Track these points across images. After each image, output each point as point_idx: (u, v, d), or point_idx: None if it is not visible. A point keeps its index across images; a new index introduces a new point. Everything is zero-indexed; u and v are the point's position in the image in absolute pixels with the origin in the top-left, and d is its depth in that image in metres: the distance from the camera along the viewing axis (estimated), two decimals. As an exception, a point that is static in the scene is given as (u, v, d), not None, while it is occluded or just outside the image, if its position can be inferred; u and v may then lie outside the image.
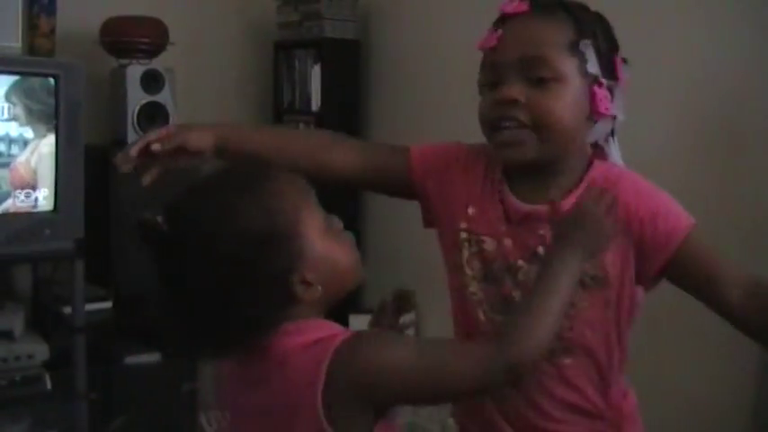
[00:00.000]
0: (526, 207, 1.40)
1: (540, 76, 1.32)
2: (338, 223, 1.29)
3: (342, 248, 1.27)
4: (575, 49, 1.34)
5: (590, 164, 1.43)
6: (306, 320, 1.21)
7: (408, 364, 1.16)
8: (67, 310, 3.49)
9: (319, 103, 4.26)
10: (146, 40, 3.78)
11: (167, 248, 1.21)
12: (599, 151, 1.46)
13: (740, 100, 2.71)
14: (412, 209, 1.61)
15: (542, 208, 1.35)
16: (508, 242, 1.41)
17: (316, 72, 4.26)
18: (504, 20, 1.38)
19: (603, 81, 1.37)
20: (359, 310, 4.15)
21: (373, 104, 4.40)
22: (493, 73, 1.37)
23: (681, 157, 2.83)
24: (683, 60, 2.84)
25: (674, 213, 1.36)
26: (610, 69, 1.39)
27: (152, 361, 3.59)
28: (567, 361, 1.39)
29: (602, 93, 1.36)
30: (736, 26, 2.72)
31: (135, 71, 3.73)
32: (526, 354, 1.17)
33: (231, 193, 1.22)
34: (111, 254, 3.69)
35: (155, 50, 3.82)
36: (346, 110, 4.35)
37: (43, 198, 3.34)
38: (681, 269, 1.36)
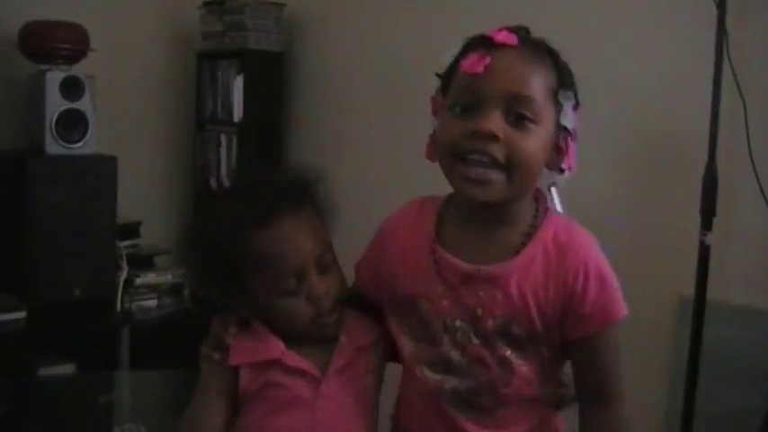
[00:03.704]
0: (467, 267, 1.35)
1: (522, 115, 1.27)
2: None
3: None
4: (555, 97, 1.31)
5: (542, 215, 1.38)
6: None
7: None
8: (-21, 319, 3.42)
9: (241, 115, 4.24)
10: (65, 45, 3.72)
11: None
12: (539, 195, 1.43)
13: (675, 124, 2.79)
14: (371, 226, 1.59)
15: (486, 269, 1.34)
16: (446, 302, 1.37)
17: (238, 83, 4.23)
18: (489, 47, 1.30)
19: (572, 134, 1.35)
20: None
21: (295, 117, 4.40)
22: (472, 99, 1.29)
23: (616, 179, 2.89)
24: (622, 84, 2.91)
25: (610, 299, 1.33)
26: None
27: (67, 373, 3.53)
28: (503, 411, 1.39)
29: (573, 147, 1.34)
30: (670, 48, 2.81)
31: (54, 77, 3.66)
32: None
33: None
34: (25, 262, 3.61)
35: (75, 56, 3.76)
36: (268, 122, 4.33)
37: (-44, 204, 3.27)
38: (577, 354, 1.38)
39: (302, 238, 1.39)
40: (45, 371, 3.51)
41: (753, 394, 2.45)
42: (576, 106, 1.36)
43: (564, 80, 1.33)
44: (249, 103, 4.23)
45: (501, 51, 1.29)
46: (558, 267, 1.32)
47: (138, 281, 4.00)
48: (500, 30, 1.31)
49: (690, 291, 2.52)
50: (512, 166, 1.27)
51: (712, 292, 2.51)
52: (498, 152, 1.26)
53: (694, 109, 2.59)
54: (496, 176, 1.27)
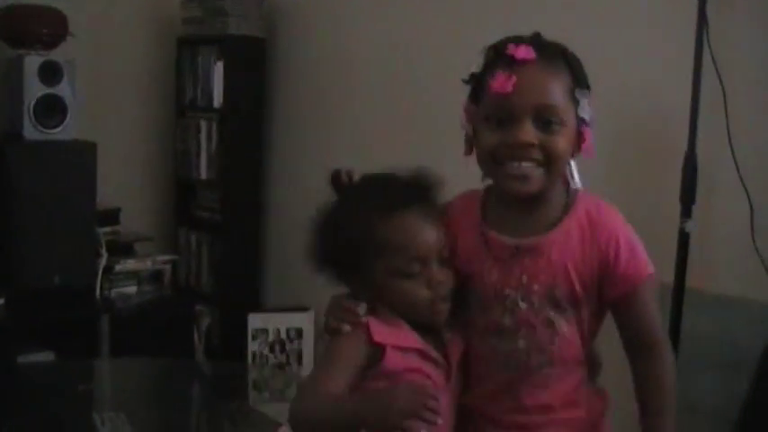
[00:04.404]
0: (513, 241, 1.58)
1: (549, 121, 1.51)
2: None
3: None
4: (572, 95, 1.54)
5: (572, 194, 1.61)
6: None
7: None
8: (-43, 306, 3.40)
9: (221, 101, 4.22)
10: (44, 30, 3.69)
11: None
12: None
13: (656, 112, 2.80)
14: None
15: (530, 241, 1.56)
16: (495, 274, 1.59)
17: (219, 69, 4.22)
18: (511, 64, 1.50)
19: (589, 123, 1.57)
20: (258, 309, 4.15)
21: (276, 104, 4.39)
22: (504, 113, 1.51)
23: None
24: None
25: (639, 260, 1.58)
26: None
27: (46, 360, 3.52)
28: (548, 370, 1.58)
29: (589, 134, 1.57)
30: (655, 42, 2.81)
31: (33, 62, 3.63)
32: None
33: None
34: (3, 249, 3.59)
35: (54, 41, 3.73)
36: (249, 108, 4.32)
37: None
38: (620, 311, 1.60)
39: (428, 229, 1.56)
40: (24, 358, 3.48)
41: (732, 382, 2.46)
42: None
43: (578, 78, 1.55)
44: (230, 89, 4.22)
45: (523, 67, 1.50)
46: (591, 238, 1.56)
47: (118, 268, 3.98)
48: (517, 45, 1.52)
49: (669, 278, 2.53)
50: (549, 162, 1.52)
51: (692, 280, 2.52)
52: (535, 154, 1.51)
53: (675, 97, 2.60)
54: (537, 172, 1.52)
